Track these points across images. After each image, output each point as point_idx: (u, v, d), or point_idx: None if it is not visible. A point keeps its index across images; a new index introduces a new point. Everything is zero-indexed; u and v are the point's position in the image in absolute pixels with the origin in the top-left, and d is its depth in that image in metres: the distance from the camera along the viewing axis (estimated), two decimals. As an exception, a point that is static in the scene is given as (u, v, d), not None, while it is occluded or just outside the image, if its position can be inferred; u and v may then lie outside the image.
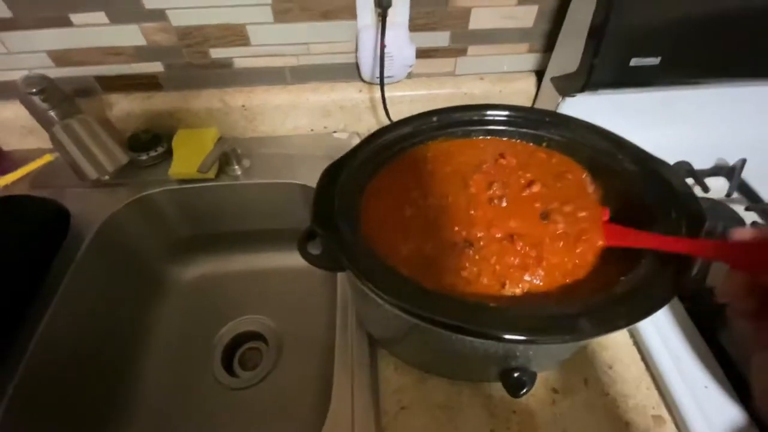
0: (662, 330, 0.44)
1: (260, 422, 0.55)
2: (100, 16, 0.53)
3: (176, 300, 0.65)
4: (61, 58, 0.57)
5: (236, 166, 0.59)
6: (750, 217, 0.52)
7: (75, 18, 0.53)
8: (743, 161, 0.57)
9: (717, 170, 0.59)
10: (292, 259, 0.36)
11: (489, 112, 0.42)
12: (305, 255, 0.35)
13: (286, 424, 0.54)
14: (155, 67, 0.58)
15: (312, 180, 0.35)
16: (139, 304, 0.61)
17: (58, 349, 0.47)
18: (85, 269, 0.51)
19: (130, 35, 0.55)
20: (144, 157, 0.59)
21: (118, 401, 0.54)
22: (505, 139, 0.42)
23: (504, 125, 0.42)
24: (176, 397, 0.57)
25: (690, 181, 0.56)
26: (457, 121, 0.42)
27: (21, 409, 0.42)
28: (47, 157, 0.62)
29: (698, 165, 0.59)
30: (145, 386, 0.57)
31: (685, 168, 0.58)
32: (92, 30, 0.54)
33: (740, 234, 0.26)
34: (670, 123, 0.61)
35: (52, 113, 0.47)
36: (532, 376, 0.35)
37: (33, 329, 0.45)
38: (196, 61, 0.58)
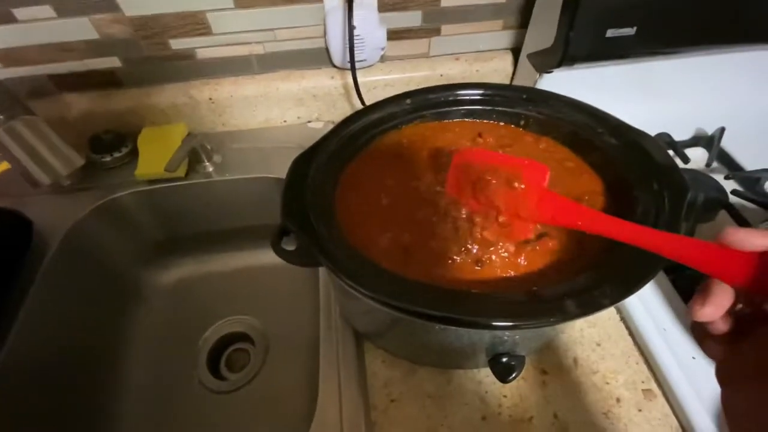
0: (648, 303, 0.43)
1: (249, 424, 0.53)
2: (46, 10, 0.49)
3: (156, 306, 0.63)
4: (7, 57, 0.53)
5: (207, 163, 0.57)
6: (730, 185, 0.52)
7: (19, 13, 0.49)
8: (722, 130, 0.57)
9: (696, 140, 0.59)
10: (272, 256, 0.34)
11: (464, 92, 0.40)
12: (279, 252, 0.34)
13: (277, 425, 0.53)
14: (112, 62, 0.55)
15: (287, 173, 0.34)
16: (116, 312, 0.59)
17: (30, 364, 0.45)
18: (53, 280, 0.48)
19: (81, 29, 0.51)
20: (108, 158, 0.56)
21: (101, 412, 0.52)
22: (482, 120, 0.41)
23: (480, 104, 0.40)
24: (162, 405, 0.55)
25: (670, 153, 0.56)
26: (432, 102, 0.40)
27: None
28: (4, 165, 0.58)
29: (678, 136, 0.58)
30: (130, 395, 0.55)
31: (664, 140, 0.57)
32: (39, 25, 0.50)
33: (745, 239, 0.19)
34: (649, 95, 0.60)
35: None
36: (521, 361, 0.34)
37: (-1, 345, 0.42)
38: (156, 54, 0.55)
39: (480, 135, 0.39)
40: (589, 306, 0.25)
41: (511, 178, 0.29)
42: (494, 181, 0.29)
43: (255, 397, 0.56)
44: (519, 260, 0.29)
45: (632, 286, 0.25)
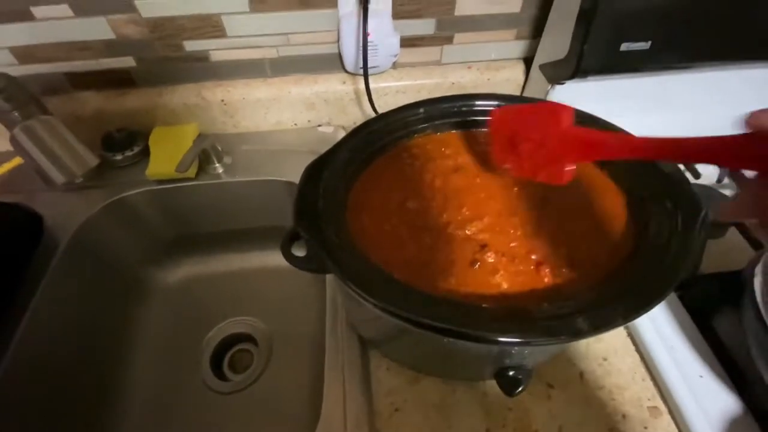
0: (655, 320, 0.43)
1: (251, 425, 0.53)
2: (64, 9, 0.49)
3: (161, 305, 0.63)
4: (25, 54, 0.53)
5: (217, 164, 0.57)
6: (741, 202, 0.51)
7: (37, 11, 0.49)
8: (733, 146, 0.57)
9: (707, 155, 0.59)
10: (279, 259, 0.35)
11: (477, 102, 0.40)
12: (289, 257, 0.34)
13: (279, 427, 0.53)
14: (127, 61, 0.55)
15: (297, 176, 0.34)
16: (122, 310, 0.59)
17: (36, 362, 0.45)
18: (61, 277, 0.49)
19: (98, 29, 0.51)
20: (119, 157, 0.56)
21: (105, 412, 0.52)
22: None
23: (493, 115, 0.40)
24: (165, 404, 0.55)
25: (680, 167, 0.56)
26: (445, 112, 0.40)
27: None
28: (17, 161, 0.58)
29: (688, 151, 0.58)
30: (133, 395, 0.55)
31: (675, 154, 0.57)
32: (56, 24, 0.51)
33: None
34: (660, 108, 0.60)
35: (16, 114, 0.44)
36: (528, 374, 0.34)
37: (6, 343, 0.42)
38: (170, 55, 0.55)
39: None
40: (601, 324, 0.25)
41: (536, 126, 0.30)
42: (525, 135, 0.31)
43: (257, 399, 0.56)
44: (530, 275, 0.29)
45: (647, 302, 0.25)
